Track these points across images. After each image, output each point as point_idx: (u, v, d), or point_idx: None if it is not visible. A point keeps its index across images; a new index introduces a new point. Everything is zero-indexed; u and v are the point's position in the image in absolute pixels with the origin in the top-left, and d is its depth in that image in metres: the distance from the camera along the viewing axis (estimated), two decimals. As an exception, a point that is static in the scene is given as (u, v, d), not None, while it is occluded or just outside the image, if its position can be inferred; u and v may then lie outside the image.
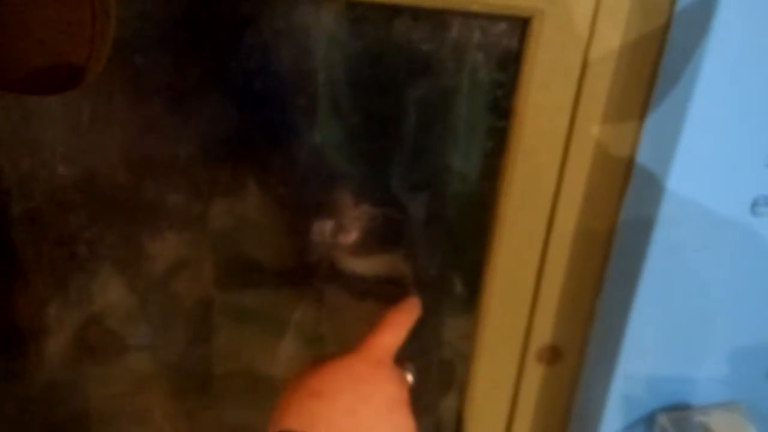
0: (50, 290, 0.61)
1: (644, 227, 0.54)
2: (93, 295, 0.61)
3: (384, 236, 0.63)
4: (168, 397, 0.68)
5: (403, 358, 0.45)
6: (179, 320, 0.64)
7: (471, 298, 0.65)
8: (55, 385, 0.65)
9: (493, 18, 0.52)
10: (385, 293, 0.66)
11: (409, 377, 0.44)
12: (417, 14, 0.51)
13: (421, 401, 0.73)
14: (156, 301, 0.63)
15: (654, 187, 0.52)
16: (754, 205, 0.53)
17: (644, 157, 0.55)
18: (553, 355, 0.66)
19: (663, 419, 0.61)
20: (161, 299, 0.63)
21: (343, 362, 0.39)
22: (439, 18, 0.52)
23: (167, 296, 0.63)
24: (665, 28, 0.51)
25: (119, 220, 0.59)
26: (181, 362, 0.66)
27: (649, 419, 0.62)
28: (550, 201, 0.59)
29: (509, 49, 0.53)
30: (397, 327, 0.43)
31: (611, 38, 0.51)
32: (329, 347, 0.68)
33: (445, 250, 0.64)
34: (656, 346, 0.59)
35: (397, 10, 0.51)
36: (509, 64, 0.54)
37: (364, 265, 0.64)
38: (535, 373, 0.67)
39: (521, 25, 0.52)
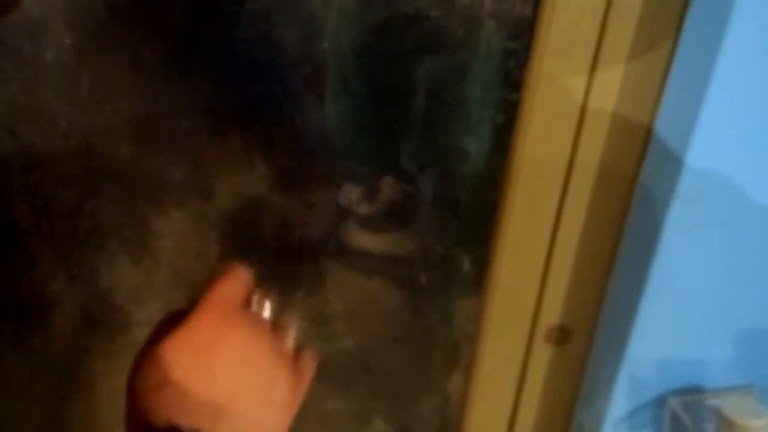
0: (55, 265, 0.60)
1: (660, 204, 0.53)
2: (98, 271, 0.61)
3: (391, 213, 0.62)
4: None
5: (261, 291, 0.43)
6: (184, 296, 0.64)
7: (479, 277, 0.64)
8: (61, 360, 0.65)
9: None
10: (391, 271, 0.65)
11: (267, 312, 0.42)
12: (427, -21, 0.50)
13: (427, 381, 0.73)
14: (161, 277, 0.62)
15: (672, 162, 0.51)
16: (776, 182, 0.52)
17: (662, 130, 0.53)
18: (561, 335, 0.65)
19: (674, 403, 0.60)
20: (166, 275, 0.62)
21: (187, 332, 0.37)
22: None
23: (172, 272, 0.62)
24: (685, 3, 0.49)
25: (123, 194, 0.58)
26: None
27: (660, 402, 0.61)
28: (563, 176, 0.57)
29: (523, 15, 0.52)
30: (236, 276, 0.41)
31: (631, 2, 0.49)
32: (335, 325, 0.67)
33: (452, 227, 0.63)
34: (669, 327, 0.58)
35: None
36: (522, 32, 0.52)
37: (370, 242, 0.63)
38: (543, 353, 0.66)
39: (536, -10, 0.50)
